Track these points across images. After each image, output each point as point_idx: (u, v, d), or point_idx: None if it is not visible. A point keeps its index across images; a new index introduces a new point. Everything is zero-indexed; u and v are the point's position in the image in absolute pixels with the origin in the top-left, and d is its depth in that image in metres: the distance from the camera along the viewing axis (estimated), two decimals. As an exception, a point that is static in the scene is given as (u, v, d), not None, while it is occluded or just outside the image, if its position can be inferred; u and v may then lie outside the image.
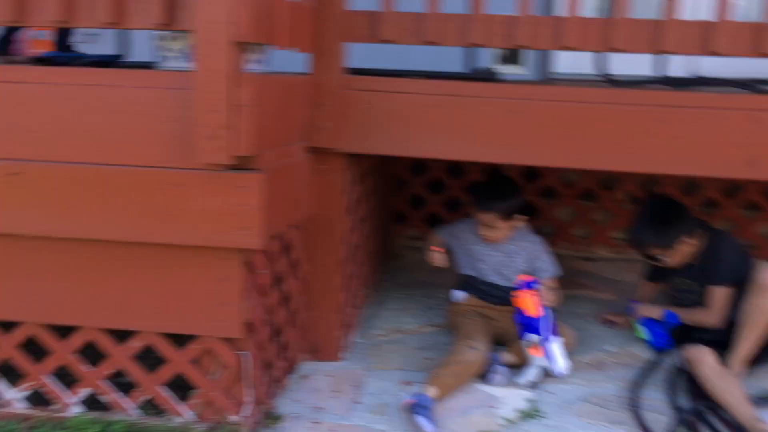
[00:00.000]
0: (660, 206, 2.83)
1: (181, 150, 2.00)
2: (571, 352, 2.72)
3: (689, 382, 2.57)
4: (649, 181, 3.83)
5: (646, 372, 2.68)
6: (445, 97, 2.45)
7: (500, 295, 2.85)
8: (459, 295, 2.91)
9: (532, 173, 3.87)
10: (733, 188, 3.78)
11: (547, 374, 2.64)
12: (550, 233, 3.90)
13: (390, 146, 2.54)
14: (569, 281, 3.48)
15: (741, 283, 2.61)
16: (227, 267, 2.09)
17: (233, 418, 2.20)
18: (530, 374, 2.58)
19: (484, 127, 2.43)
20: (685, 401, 2.50)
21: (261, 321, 2.26)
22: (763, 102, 2.30)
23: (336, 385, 2.58)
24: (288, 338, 2.55)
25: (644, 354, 2.86)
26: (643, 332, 2.92)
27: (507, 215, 2.79)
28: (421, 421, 2.28)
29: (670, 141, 2.34)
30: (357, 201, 2.91)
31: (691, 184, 3.78)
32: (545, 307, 2.63)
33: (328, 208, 2.60)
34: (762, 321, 2.50)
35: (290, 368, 2.64)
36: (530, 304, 2.60)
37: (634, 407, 2.45)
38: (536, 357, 2.59)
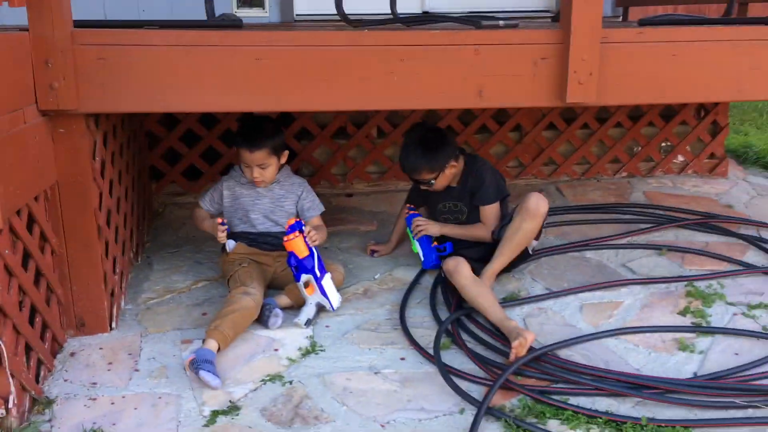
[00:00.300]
0: (426, 134, 3.00)
1: None
2: (340, 286, 2.86)
3: (449, 294, 2.86)
4: (393, 114, 4.06)
5: (408, 293, 2.92)
6: (189, 48, 2.36)
7: (272, 242, 2.90)
8: (230, 244, 2.90)
9: (285, 117, 3.91)
10: (468, 116, 4.14)
11: (323, 310, 2.76)
12: (310, 174, 4.01)
13: (134, 103, 2.41)
14: (333, 218, 3.63)
15: (502, 199, 3.01)
16: (-35, 252, 1.88)
17: (-3, 412, 2.02)
18: (307, 312, 2.68)
19: (233, 76, 2.40)
20: (445, 312, 2.77)
21: (13, 304, 2.08)
22: (485, 36, 2.54)
23: (110, 357, 2.47)
24: (47, 317, 2.37)
25: (408, 277, 3.10)
26: (418, 248, 3.09)
27: (275, 150, 2.84)
28: (205, 376, 2.28)
29: (410, 78, 2.50)
30: (109, 162, 2.74)
31: (432, 114, 4.07)
32: (313, 246, 2.73)
33: (77, 174, 2.42)
34: (523, 242, 2.86)
35: (55, 348, 2.46)
36: (301, 245, 2.68)
37: (403, 326, 2.67)
38: (311, 295, 2.69)
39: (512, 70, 2.56)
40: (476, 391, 2.29)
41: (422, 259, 3.08)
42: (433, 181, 2.97)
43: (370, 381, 2.36)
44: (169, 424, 2.13)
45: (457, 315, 2.69)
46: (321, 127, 3.97)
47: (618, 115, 4.26)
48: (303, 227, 2.73)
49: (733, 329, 2.67)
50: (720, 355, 2.52)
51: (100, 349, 2.52)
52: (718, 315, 2.80)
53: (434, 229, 3.08)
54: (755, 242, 3.46)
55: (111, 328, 2.63)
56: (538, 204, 2.80)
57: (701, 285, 3.01)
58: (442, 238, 3.08)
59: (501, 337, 2.56)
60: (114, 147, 2.86)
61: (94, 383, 2.33)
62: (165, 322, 2.72)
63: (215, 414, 2.17)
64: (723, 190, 4.28)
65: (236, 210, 2.93)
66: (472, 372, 2.40)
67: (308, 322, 2.67)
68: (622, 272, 3.16)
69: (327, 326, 2.71)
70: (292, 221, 2.73)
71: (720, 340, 2.62)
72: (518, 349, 2.36)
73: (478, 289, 2.68)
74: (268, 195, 2.91)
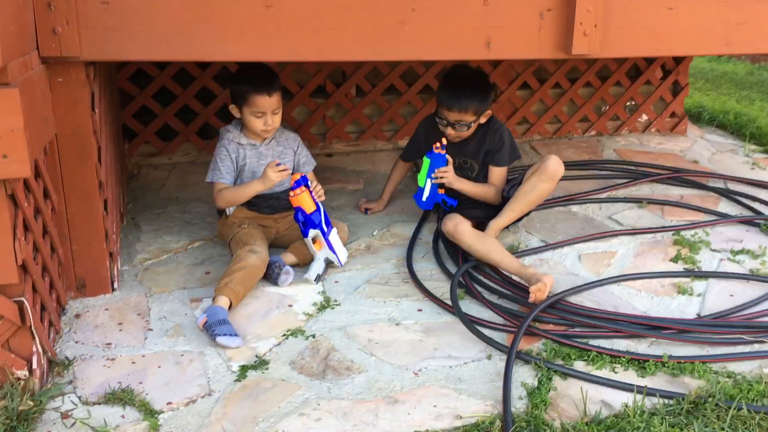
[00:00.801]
0: (476, 74, 2.96)
1: None
2: (345, 242, 2.83)
3: (452, 250, 2.88)
4: (372, 74, 4.02)
5: (411, 247, 2.93)
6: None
7: (273, 205, 2.83)
8: (231, 207, 2.82)
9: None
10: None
11: (330, 266, 2.74)
12: (289, 134, 3.93)
13: (139, 50, 2.29)
14: (318, 177, 3.57)
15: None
16: (-12, 203, 1.76)
17: (20, 372, 1.92)
18: (316, 268, 2.65)
19: (243, 23, 2.31)
20: (451, 265, 2.79)
21: (32, 260, 1.96)
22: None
23: (119, 317, 2.38)
24: (52, 276, 2.25)
25: (406, 232, 3.10)
26: (427, 184, 2.97)
27: (280, 103, 2.74)
28: (224, 340, 2.22)
29: (421, 28, 2.47)
30: (102, 117, 2.60)
31: (410, 71, 4.05)
32: (319, 200, 2.69)
33: (77, 127, 2.29)
34: (535, 201, 2.89)
35: (59, 309, 2.35)
36: (308, 200, 2.63)
37: (415, 279, 2.67)
38: (319, 251, 2.66)
39: (519, 21, 2.57)
40: (499, 338, 2.32)
41: (425, 197, 2.98)
42: (471, 124, 2.91)
43: (393, 332, 2.36)
44: (198, 380, 2.07)
45: (467, 267, 2.70)
46: (300, 86, 3.89)
47: (588, 75, 4.36)
48: (308, 182, 2.68)
49: (725, 273, 2.80)
50: (717, 297, 2.64)
51: (106, 310, 2.42)
52: (707, 261, 2.93)
53: (454, 179, 2.96)
54: (726, 194, 3.63)
55: (113, 289, 2.53)
56: (557, 167, 2.83)
57: (686, 234, 3.14)
58: (449, 192, 3.03)
59: (512, 286, 2.61)
60: (104, 100, 2.72)
61: (109, 343, 2.24)
62: (168, 282, 2.63)
63: (244, 369, 2.13)
64: (686, 147, 4.46)
65: (241, 173, 2.80)
66: (491, 319, 2.43)
67: (318, 278, 2.64)
68: (609, 224, 3.26)
69: (336, 281, 2.68)
70: (297, 176, 2.67)
71: (714, 283, 2.74)
72: (538, 293, 2.41)
73: (486, 244, 2.71)
74: (270, 153, 2.83)
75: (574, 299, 2.57)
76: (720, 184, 3.79)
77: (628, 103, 4.57)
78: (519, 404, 2.00)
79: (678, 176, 3.82)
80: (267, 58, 2.50)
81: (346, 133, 4.04)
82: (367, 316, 2.45)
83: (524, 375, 2.13)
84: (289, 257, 2.74)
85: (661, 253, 2.98)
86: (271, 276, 2.60)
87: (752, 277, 2.77)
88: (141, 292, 2.56)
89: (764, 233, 3.20)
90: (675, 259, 2.92)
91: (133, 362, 2.15)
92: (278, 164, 2.63)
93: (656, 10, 2.70)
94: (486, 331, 2.35)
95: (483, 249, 2.69)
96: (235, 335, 2.25)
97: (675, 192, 3.68)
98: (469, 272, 2.70)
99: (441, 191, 3.00)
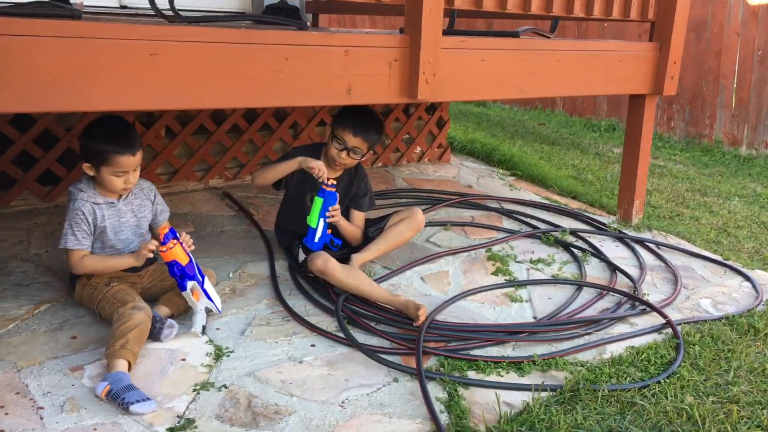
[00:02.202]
0: (375, 113, 3.16)
1: None
2: (214, 286, 2.79)
3: (316, 284, 3.00)
4: (181, 114, 3.93)
5: (275, 286, 2.98)
6: (81, 41, 2.11)
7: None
8: None
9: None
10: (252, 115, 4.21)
11: (209, 314, 2.68)
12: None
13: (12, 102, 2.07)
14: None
15: None
16: None
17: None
18: (200, 319, 2.58)
19: (127, 72, 2.21)
20: (323, 300, 2.91)
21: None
22: (352, 39, 2.73)
23: (-4, 401, 2.09)
24: None
25: (260, 271, 3.13)
26: (319, 224, 2.99)
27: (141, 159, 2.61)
28: (139, 407, 2.08)
29: (294, 76, 2.58)
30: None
31: (219, 112, 4.05)
32: (189, 251, 2.63)
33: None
34: (397, 245, 3.22)
35: None
36: (181, 253, 2.55)
37: (296, 316, 2.74)
38: (198, 301, 2.60)
39: (374, 70, 2.81)
40: (394, 360, 2.52)
41: (317, 237, 3.00)
42: (361, 156, 3.11)
43: (300, 370, 2.42)
44: (131, 453, 1.94)
45: (342, 299, 2.84)
46: (182, 125, 3.68)
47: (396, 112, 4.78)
48: (177, 234, 2.60)
49: (537, 280, 3.33)
50: (540, 300, 3.15)
51: (-27, 395, 2.11)
52: (517, 271, 3.45)
53: (340, 218, 3.09)
54: (505, 213, 4.27)
55: (-30, 371, 2.20)
56: (423, 220, 3.25)
57: (494, 249, 3.65)
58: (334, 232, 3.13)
59: (385, 312, 2.83)
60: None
61: (1, 431, 1.97)
62: (32, 353, 2.36)
63: (173, 431, 2.04)
64: (455, 174, 5.08)
65: (102, 235, 2.60)
66: (379, 344, 2.62)
67: (204, 329, 2.58)
68: (430, 246, 3.64)
69: (218, 328, 2.64)
70: (165, 229, 2.55)
71: (532, 289, 3.26)
72: (422, 316, 2.66)
73: (356, 279, 2.88)
74: (129, 209, 2.67)
75: (440, 317, 2.87)
76: (495, 204, 4.43)
77: (405, 137, 5.07)
78: (442, 417, 2.22)
79: (465, 200, 4.37)
80: (152, 108, 2.39)
81: (157, 176, 3.89)
82: (266, 358, 2.47)
83: (433, 390, 2.36)
84: (162, 310, 2.62)
85: (482, 268, 3.44)
86: (152, 332, 2.47)
87: (557, 281, 3.35)
88: (6, 368, 2.26)
89: (545, 244, 3.85)
90: (496, 273, 3.39)
91: (38, 448, 1.93)
92: (153, 248, 2.53)
93: (471, 61, 3.14)
94: (382, 357, 2.54)
95: (353, 283, 2.86)
96: (148, 399, 2.13)
97: (466, 214, 4.22)
98: (343, 303, 2.85)
99: (329, 231, 3.06)
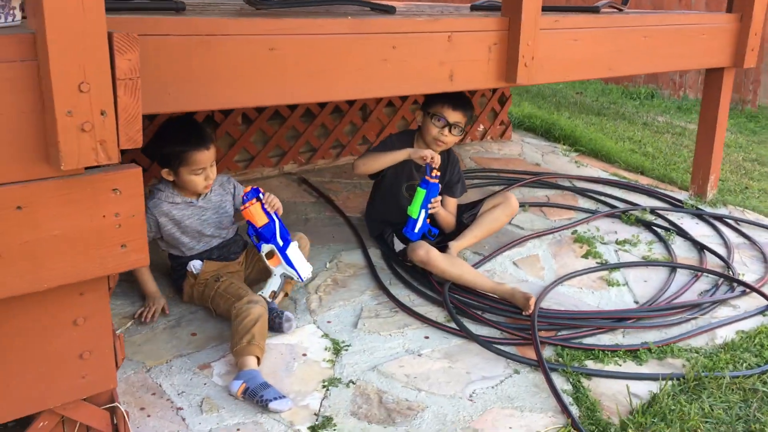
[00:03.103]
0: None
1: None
2: (306, 256, 2.72)
3: (415, 273, 2.99)
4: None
5: (376, 276, 2.97)
6: (204, 38, 2.08)
7: (236, 250, 2.70)
8: (196, 265, 2.61)
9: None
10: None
11: (290, 281, 2.66)
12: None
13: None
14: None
15: None
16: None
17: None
18: (272, 284, 2.55)
19: (247, 68, 2.18)
20: (430, 291, 2.90)
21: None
22: (454, 24, 2.68)
23: (136, 403, 2.10)
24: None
25: (356, 260, 3.12)
26: (421, 215, 2.95)
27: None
28: (276, 404, 2.09)
29: (400, 65, 2.54)
30: None
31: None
32: (272, 212, 2.57)
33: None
34: (493, 230, 3.20)
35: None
36: (258, 212, 2.50)
37: (405, 308, 2.73)
38: (275, 267, 2.56)
39: (474, 55, 2.75)
40: (510, 351, 2.51)
41: (417, 228, 2.96)
42: (462, 131, 3.10)
43: (421, 363, 2.42)
44: (280, 453, 1.95)
45: (450, 292, 2.82)
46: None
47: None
48: (260, 193, 2.55)
49: (630, 262, 3.30)
50: (637, 284, 3.12)
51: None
52: (606, 253, 3.41)
53: (441, 210, 3.10)
54: (579, 192, 4.22)
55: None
56: (517, 204, 3.24)
57: (579, 231, 3.61)
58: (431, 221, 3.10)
59: (491, 301, 2.81)
60: None
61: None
62: (159, 352, 2.37)
63: (314, 430, 2.05)
64: (519, 151, 5.03)
65: (184, 233, 2.63)
66: (490, 335, 2.61)
67: (273, 295, 2.55)
68: (513, 230, 3.61)
69: (329, 321, 2.64)
70: (248, 189, 2.54)
71: (626, 272, 3.22)
72: (531, 305, 2.64)
73: (458, 268, 2.86)
74: (210, 206, 2.66)
75: (543, 304, 2.85)
76: (567, 183, 4.38)
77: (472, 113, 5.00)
78: (572, 410, 2.21)
79: (539, 179, 4.32)
80: (270, 103, 2.37)
81: (234, 163, 3.87)
82: (384, 352, 2.47)
83: (556, 382, 2.35)
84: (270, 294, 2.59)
85: (570, 251, 3.41)
86: (271, 326, 2.48)
87: (651, 263, 3.31)
88: (136, 369, 2.27)
89: (626, 223, 3.80)
90: (585, 255, 3.36)
91: (192, 445, 1.95)
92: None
93: (565, 42, 3.07)
94: (498, 348, 2.53)
95: (456, 272, 2.85)
96: (284, 397, 2.13)
97: (540, 193, 4.18)
98: (451, 295, 2.84)
99: (428, 221, 3.03)
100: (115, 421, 1.60)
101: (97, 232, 1.40)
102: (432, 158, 2.87)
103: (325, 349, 2.46)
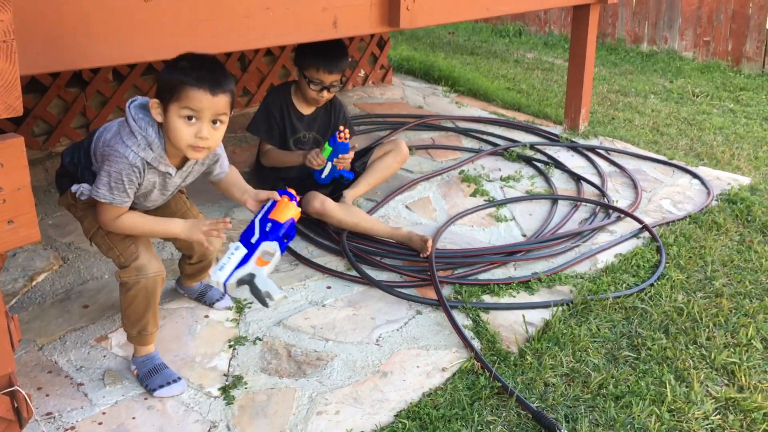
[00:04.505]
0: (332, 41, 2.90)
1: None
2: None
3: (311, 224, 2.98)
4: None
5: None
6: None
7: None
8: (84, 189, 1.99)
9: None
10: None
11: None
12: (47, 133, 3.41)
13: None
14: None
15: None
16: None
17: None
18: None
19: (122, 20, 2.05)
20: (328, 241, 2.90)
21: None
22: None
23: (32, 383, 2.00)
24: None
25: (248, 216, 3.05)
26: (328, 165, 2.94)
27: (228, 109, 1.99)
28: (162, 392, 2.01)
29: (284, 13, 2.47)
30: None
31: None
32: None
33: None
34: (386, 177, 3.24)
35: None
36: (288, 209, 2.06)
37: (303, 259, 2.73)
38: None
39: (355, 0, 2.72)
40: (411, 293, 2.58)
41: (324, 174, 2.98)
42: (339, 86, 3.06)
43: (326, 313, 2.44)
44: (191, 417, 1.92)
45: (345, 238, 2.83)
46: (52, 76, 3.37)
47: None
48: (295, 200, 2.12)
49: (515, 198, 3.43)
50: (523, 218, 3.26)
51: (5, 380, 2.00)
52: (493, 190, 3.54)
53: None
54: (462, 132, 4.32)
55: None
56: (407, 151, 3.28)
57: (466, 170, 3.71)
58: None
59: (386, 246, 2.85)
60: None
61: (49, 413, 1.90)
62: (49, 328, 2.25)
63: (225, 391, 2.03)
64: (401, 95, 5.06)
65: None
66: (390, 279, 2.67)
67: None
68: (402, 173, 3.65)
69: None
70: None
71: (513, 207, 3.36)
72: (429, 247, 2.70)
73: (355, 216, 2.87)
74: (181, 180, 2.09)
75: (439, 245, 2.93)
76: (450, 124, 4.47)
77: (349, 60, 4.95)
78: (474, 344, 2.32)
79: (423, 122, 4.38)
80: (146, 59, 2.23)
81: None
82: (288, 305, 2.47)
83: (457, 318, 2.44)
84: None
85: (459, 190, 3.50)
86: (204, 296, 2.43)
87: (534, 196, 3.47)
88: (27, 348, 2.15)
89: (508, 160, 3.95)
90: (474, 194, 3.47)
91: (100, 423, 1.88)
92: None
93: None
94: (399, 291, 2.59)
95: (353, 221, 2.86)
96: (176, 380, 2.03)
97: (425, 136, 4.24)
98: (348, 247, 2.85)
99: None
100: (15, 405, 1.51)
101: (-22, 210, 1.29)
102: (318, 164, 2.92)
103: (228, 308, 2.43)
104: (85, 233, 2.07)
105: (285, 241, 2.00)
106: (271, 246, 2.00)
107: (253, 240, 1.98)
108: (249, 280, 1.92)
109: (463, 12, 3.27)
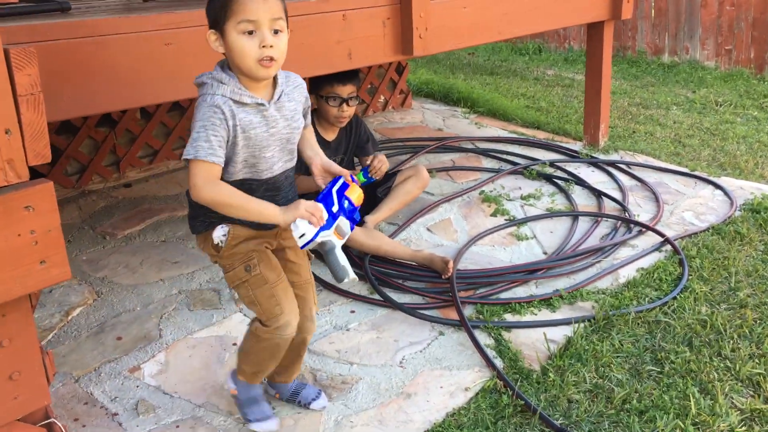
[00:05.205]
0: None
1: None
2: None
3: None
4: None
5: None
6: (100, 39, 2.04)
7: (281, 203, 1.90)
8: (218, 233, 1.90)
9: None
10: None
11: None
12: (78, 171, 3.55)
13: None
14: (139, 211, 3.37)
15: None
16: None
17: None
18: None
19: (145, 65, 2.16)
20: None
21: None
22: (348, 2, 2.71)
23: (68, 414, 2.08)
24: None
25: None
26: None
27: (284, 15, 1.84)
28: (257, 426, 2.04)
29: (298, 47, 2.55)
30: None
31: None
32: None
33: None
34: (406, 203, 3.31)
35: None
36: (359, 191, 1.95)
37: (325, 284, 2.79)
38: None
39: (369, 31, 2.80)
40: (434, 315, 2.62)
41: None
42: (358, 98, 3.10)
43: (350, 337, 2.49)
44: (224, 443, 1.99)
45: (369, 267, 2.89)
46: (83, 118, 3.52)
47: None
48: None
49: (535, 216, 3.47)
50: (544, 236, 3.29)
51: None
52: (513, 209, 3.58)
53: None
54: (482, 152, 4.37)
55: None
56: (428, 177, 3.36)
57: (485, 191, 3.76)
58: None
59: (409, 269, 2.91)
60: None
61: (89, 444, 1.98)
62: (84, 360, 2.34)
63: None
64: (421, 118, 5.13)
65: (239, 150, 1.80)
66: (413, 301, 2.71)
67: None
68: (423, 196, 3.71)
69: (255, 308, 2.66)
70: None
71: (533, 225, 3.39)
72: (450, 268, 2.75)
73: (376, 240, 2.94)
74: (282, 115, 1.87)
75: (460, 265, 2.97)
76: (470, 145, 4.52)
77: (368, 87, 5.06)
78: (497, 363, 2.35)
79: (443, 144, 4.44)
80: (169, 99, 2.33)
81: (138, 159, 3.79)
82: (313, 331, 2.53)
83: (479, 338, 2.48)
84: None
85: (479, 211, 3.55)
86: (301, 398, 2.19)
87: (554, 214, 3.50)
88: (64, 380, 2.24)
89: (528, 178, 3.99)
90: (494, 214, 3.51)
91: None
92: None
93: (455, 11, 3.16)
94: (422, 312, 2.63)
95: (374, 244, 2.92)
96: (269, 417, 2.06)
97: (445, 158, 4.30)
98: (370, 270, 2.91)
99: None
100: (53, 437, 1.59)
101: (14, 252, 1.38)
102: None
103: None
104: (228, 283, 1.95)
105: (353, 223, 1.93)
106: (345, 224, 1.90)
107: (334, 209, 1.85)
108: (330, 249, 1.83)
109: (475, 37, 3.34)
